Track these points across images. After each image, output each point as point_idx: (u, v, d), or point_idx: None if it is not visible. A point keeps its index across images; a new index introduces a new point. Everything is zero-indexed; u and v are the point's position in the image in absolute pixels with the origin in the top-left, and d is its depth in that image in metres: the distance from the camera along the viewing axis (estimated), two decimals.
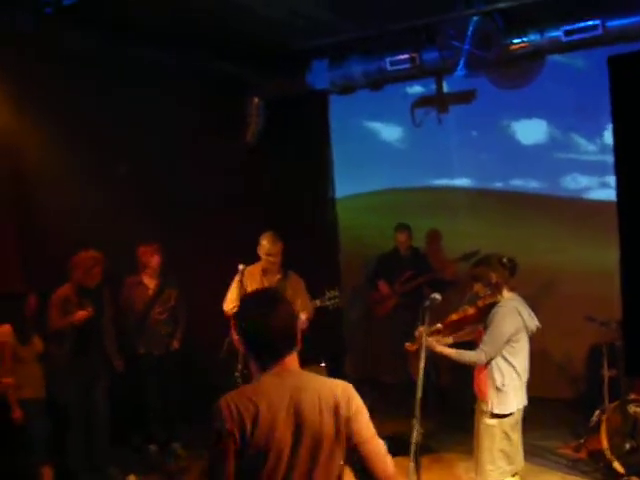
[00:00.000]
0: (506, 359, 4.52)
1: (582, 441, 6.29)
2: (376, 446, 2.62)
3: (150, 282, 6.82)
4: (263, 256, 6.18)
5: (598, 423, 5.98)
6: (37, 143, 6.22)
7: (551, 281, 7.52)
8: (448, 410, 7.12)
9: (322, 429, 2.53)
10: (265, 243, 6.16)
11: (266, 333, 2.64)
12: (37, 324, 5.93)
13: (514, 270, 4.65)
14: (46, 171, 6.25)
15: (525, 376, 4.61)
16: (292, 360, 2.67)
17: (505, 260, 4.63)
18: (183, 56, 7.30)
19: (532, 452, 5.93)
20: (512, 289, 4.68)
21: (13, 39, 5.93)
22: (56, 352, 6.09)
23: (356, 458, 2.61)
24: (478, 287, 4.66)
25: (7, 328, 5.61)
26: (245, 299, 3.02)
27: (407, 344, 4.68)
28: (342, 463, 2.61)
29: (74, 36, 6.29)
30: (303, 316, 5.89)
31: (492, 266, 4.60)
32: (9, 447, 5.45)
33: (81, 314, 5.95)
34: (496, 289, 4.58)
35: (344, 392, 2.61)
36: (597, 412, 6.12)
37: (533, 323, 4.62)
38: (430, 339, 4.43)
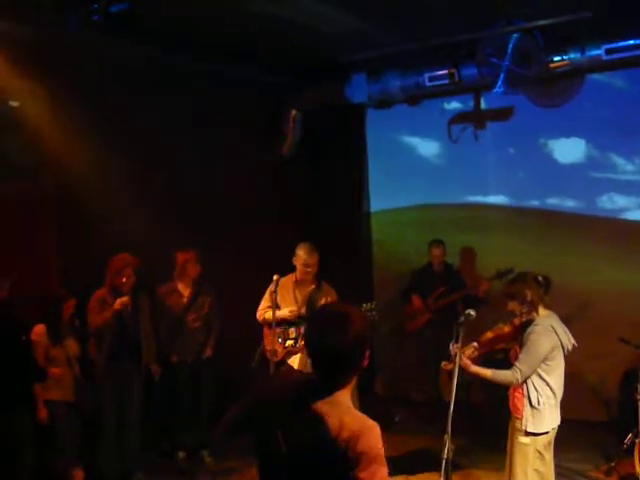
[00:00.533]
0: (541, 377, 4.49)
1: (613, 464, 6.21)
2: None
3: (185, 290, 6.88)
4: (299, 266, 6.19)
5: (631, 447, 5.91)
6: (79, 148, 6.31)
7: (585, 302, 7.44)
8: (479, 428, 7.06)
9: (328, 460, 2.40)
10: (302, 253, 6.18)
11: (327, 356, 2.53)
12: (72, 327, 6.03)
13: (549, 287, 4.65)
14: (87, 176, 6.33)
15: (560, 395, 4.59)
16: (345, 394, 2.53)
17: (540, 278, 4.63)
18: (223, 66, 7.38)
19: (563, 474, 5.87)
20: (547, 307, 4.66)
21: (61, 42, 6.02)
22: (94, 356, 6.19)
23: None
24: (513, 305, 4.63)
25: (41, 328, 5.75)
26: (318, 312, 2.88)
27: (444, 363, 4.63)
28: None
29: (120, 43, 6.37)
30: None
31: (527, 284, 4.59)
32: (42, 448, 5.52)
33: (120, 302, 6.01)
34: (531, 307, 4.56)
35: (359, 430, 2.40)
36: (630, 435, 6.04)
37: (569, 341, 4.60)
38: (465, 359, 4.41)
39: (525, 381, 4.48)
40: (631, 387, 6.31)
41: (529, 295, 4.56)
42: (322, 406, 2.45)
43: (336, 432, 2.38)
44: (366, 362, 2.53)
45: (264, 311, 6.20)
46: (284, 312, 6.06)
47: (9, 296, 5.47)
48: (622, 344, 6.29)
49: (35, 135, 6.37)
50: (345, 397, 2.52)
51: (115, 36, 6.05)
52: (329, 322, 2.53)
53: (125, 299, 6.04)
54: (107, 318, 6.07)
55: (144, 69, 6.75)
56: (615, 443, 6.40)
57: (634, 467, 5.69)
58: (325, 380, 2.51)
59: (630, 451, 5.89)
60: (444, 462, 3.54)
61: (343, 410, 2.46)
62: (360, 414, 2.49)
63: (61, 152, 6.40)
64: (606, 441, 6.76)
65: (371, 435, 2.41)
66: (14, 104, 6.32)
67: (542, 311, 4.60)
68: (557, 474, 4.77)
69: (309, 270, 6.16)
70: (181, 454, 6.88)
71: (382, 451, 2.42)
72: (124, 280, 6.12)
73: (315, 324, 2.62)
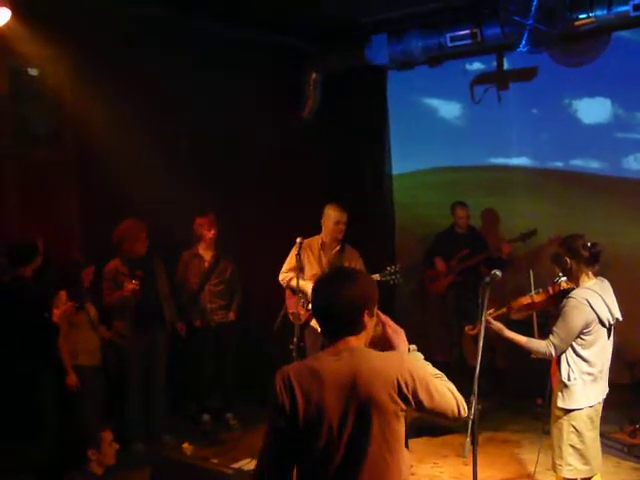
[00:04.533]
0: (576, 352, 4.20)
1: (638, 426, 6.19)
2: (445, 402, 2.63)
3: (206, 254, 6.90)
4: (331, 225, 6.20)
5: None
6: (100, 114, 6.29)
7: (609, 263, 7.33)
8: (503, 391, 7.07)
9: (379, 410, 2.49)
10: (333, 212, 6.19)
11: (327, 313, 2.67)
12: (92, 293, 6.08)
13: (597, 256, 4.27)
14: (108, 142, 6.33)
15: (600, 370, 4.27)
16: (357, 340, 2.63)
17: (589, 244, 4.25)
18: (244, 28, 7.31)
19: None
20: (596, 275, 4.33)
21: (78, 6, 5.98)
22: (117, 323, 6.25)
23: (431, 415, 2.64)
24: (557, 269, 4.37)
25: (63, 294, 5.78)
26: (321, 275, 3.03)
27: (467, 327, 4.55)
28: (401, 441, 2.57)
29: (139, 3, 6.33)
30: None
31: (570, 249, 4.26)
32: (71, 412, 5.61)
33: (129, 287, 6.06)
34: (570, 275, 4.30)
35: (402, 367, 2.55)
36: None
37: (611, 315, 4.27)
38: (498, 323, 4.29)
39: (558, 355, 4.23)
40: None
41: (568, 262, 4.26)
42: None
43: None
44: (368, 324, 2.65)
45: (288, 276, 6.21)
46: (310, 289, 6.03)
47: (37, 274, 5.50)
48: None
49: (56, 101, 6.38)
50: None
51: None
52: (324, 283, 2.74)
53: (133, 286, 6.06)
54: (118, 299, 6.14)
55: (165, 33, 6.70)
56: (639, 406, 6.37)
57: None
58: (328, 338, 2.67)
59: None
60: (470, 422, 3.52)
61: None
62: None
63: (82, 118, 6.40)
64: (630, 403, 6.74)
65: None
66: (34, 71, 6.32)
67: (585, 281, 4.27)
68: None
69: (341, 227, 6.18)
70: (206, 417, 6.95)
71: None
72: (144, 244, 6.16)
73: (316, 285, 2.77)
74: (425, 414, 2.64)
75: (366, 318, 2.63)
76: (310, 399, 2.51)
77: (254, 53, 7.55)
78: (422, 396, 2.54)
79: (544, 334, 4.43)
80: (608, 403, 6.67)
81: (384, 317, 2.79)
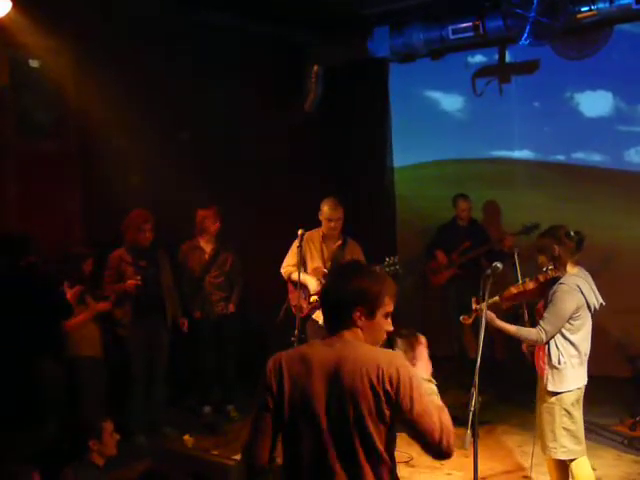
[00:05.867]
0: (565, 336, 4.38)
1: (638, 419, 6.20)
2: (425, 423, 2.49)
3: (207, 246, 6.89)
4: (324, 221, 6.18)
5: None
6: (102, 105, 6.27)
7: (611, 257, 7.37)
8: (503, 384, 7.08)
9: (360, 399, 2.49)
10: (326, 208, 6.16)
11: (322, 302, 2.75)
12: (93, 285, 6.08)
13: (581, 244, 4.47)
14: (110, 133, 6.34)
15: (585, 353, 4.46)
16: (350, 334, 2.63)
17: (572, 233, 4.46)
18: (244, 21, 7.30)
19: (587, 429, 5.79)
20: (577, 264, 4.51)
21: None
22: (119, 313, 6.25)
23: (409, 430, 2.54)
24: (542, 259, 4.51)
25: (64, 286, 5.77)
26: (334, 268, 3.07)
27: (463, 316, 4.61)
28: (384, 434, 2.53)
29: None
30: None
31: (557, 239, 4.44)
32: (72, 403, 5.62)
33: (131, 283, 6.08)
34: (559, 263, 4.43)
35: (391, 363, 2.51)
36: None
37: (596, 300, 4.46)
38: (490, 313, 4.33)
39: (548, 340, 4.39)
40: None
41: (557, 250, 4.42)
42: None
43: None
44: (361, 323, 2.63)
45: (290, 269, 6.22)
46: (312, 283, 6.08)
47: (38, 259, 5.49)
48: None
49: (57, 93, 6.36)
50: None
51: None
52: (329, 275, 2.92)
53: (137, 281, 6.08)
54: (120, 291, 6.15)
55: (166, 26, 6.69)
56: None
57: None
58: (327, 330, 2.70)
59: None
60: (471, 414, 3.52)
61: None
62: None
63: (83, 110, 6.38)
64: (631, 396, 6.76)
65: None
66: (35, 62, 6.31)
67: (571, 268, 4.46)
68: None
69: (332, 225, 6.15)
70: (207, 409, 6.97)
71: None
72: (147, 235, 6.16)
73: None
74: (405, 430, 2.53)
75: (356, 315, 2.62)
76: (297, 383, 2.59)
77: (255, 46, 7.54)
78: (403, 400, 2.47)
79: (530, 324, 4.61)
80: (608, 396, 6.74)
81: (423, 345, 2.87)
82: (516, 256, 5.25)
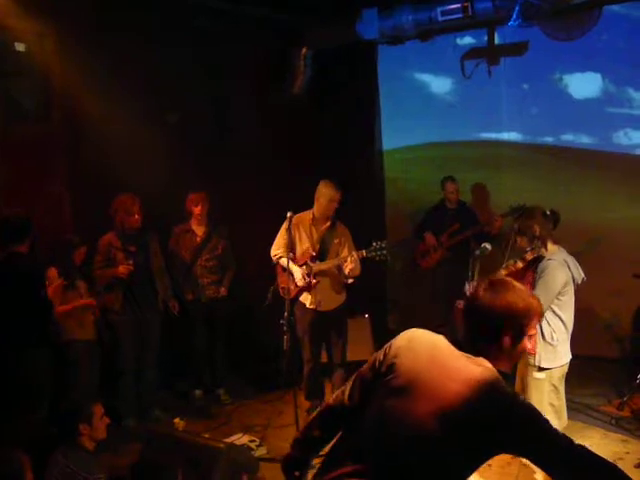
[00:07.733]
0: (554, 312, 4.50)
1: (625, 399, 6.26)
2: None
3: (198, 229, 6.88)
4: (325, 202, 6.18)
5: None
6: (89, 90, 6.23)
7: (600, 238, 7.40)
8: None
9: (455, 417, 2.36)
10: (327, 189, 6.17)
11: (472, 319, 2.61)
12: (83, 271, 6.10)
13: (557, 222, 4.65)
14: (97, 118, 6.29)
15: (571, 329, 4.60)
16: (494, 363, 2.47)
17: (548, 212, 4.62)
18: (232, 4, 7.23)
19: (575, 409, 5.95)
20: (556, 242, 4.65)
21: None
22: (109, 298, 6.24)
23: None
24: (522, 241, 4.62)
25: (53, 272, 5.78)
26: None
27: (458, 302, 4.66)
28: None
29: None
30: (350, 266, 5.94)
31: (535, 219, 4.58)
32: (63, 386, 5.62)
33: (122, 270, 6.09)
34: (540, 242, 4.54)
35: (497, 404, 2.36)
36: None
37: (579, 275, 4.60)
38: None
39: None
40: None
41: (537, 230, 4.54)
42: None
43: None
44: (508, 346, 2.51)
45: (279, 253, 6.24)
46: (297, 275, 6.13)
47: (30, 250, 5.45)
48: (636, 280, 6.27)
49: (43, 77, 6.31)
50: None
51: None
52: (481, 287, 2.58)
53: (127, 268, 6.10)
54: (110, 277, 6.16)
55: (152, 8, 6.62)
56: (627, 379, 6.43)
57: None
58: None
59: None
60: None
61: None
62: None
63: (71, 94, 6.33)
64: (619, 377, 6.81)
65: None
66: (21, 46, 6.25)
67: (551, 246, 4.59)
68: (569, 409, 4.83)
69: (334, 205, 6.18)
70: (197, 392, 6.99)
71: None
72: (135, 218, 6.15)
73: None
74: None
75: (506, 340, 2.47)
76: (401, 375, 2.50)
77: (243, 29, 7.48)
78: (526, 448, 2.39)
79: None
80: (597, 377, 6.79)
81: None
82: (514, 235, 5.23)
